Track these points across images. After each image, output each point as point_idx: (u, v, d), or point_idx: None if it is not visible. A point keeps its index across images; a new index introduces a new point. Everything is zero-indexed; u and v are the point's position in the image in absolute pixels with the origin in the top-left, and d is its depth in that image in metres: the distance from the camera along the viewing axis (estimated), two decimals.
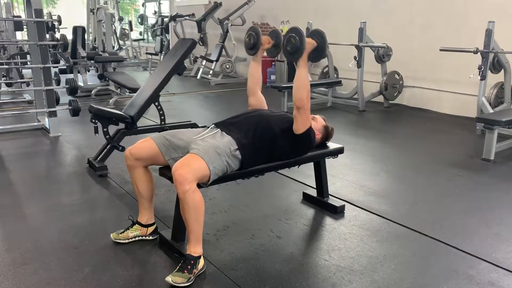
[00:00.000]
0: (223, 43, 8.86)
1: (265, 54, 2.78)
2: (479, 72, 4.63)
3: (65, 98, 5.12)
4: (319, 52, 2.43)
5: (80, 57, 7.25)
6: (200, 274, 2.10)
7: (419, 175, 3.61)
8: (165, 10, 12.60)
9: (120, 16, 12.53)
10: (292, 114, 2.41)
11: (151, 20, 13.35)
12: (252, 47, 2.70)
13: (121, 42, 12.11)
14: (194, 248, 2.10)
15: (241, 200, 3.04)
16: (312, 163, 2.85)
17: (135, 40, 12.65)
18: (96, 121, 3.37)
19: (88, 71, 7.74)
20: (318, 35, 2.42)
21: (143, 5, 14.20)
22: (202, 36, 9.59)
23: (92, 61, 7.15)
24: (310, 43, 2.37)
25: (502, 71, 4.92)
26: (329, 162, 2.95)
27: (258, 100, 2.71)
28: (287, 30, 2.41)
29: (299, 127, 2.37)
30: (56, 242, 2.45)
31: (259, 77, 2.73)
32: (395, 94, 6.33)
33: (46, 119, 4.86)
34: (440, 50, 5.00)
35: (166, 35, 10.72)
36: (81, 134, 4.77)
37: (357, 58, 6.05)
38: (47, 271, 2.15)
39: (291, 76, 8.11)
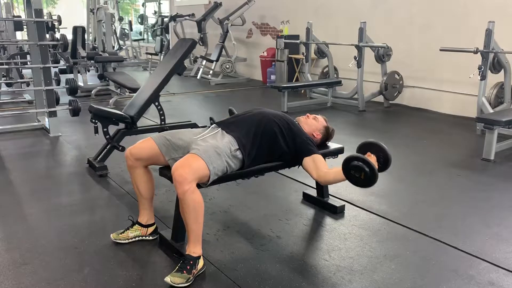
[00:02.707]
0: (223, 43, 8.86)
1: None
2: (479, 72, 4.63)
3: (65, 98, 5.12)
4: (378, 171, 2.11)
5: (80, 57, 7.25)
6: (200, 274, 2.10)
7: (419, 175, 3.61)
8: (165, 10, 12.60)
9: (120, 16, 12.53)
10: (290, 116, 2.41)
11: (151, 20, 13.35)
12: None
13: (121, 42, 12.11)
14: (194, 248, 2.10)
15: (241, 200, 3.04)
16: None
17: (135, 40, 12.65)
18: (96, 121, 3.37)
19: (88, 71, 7.74)
20: (381, 153, 2.21)
21: (143, 5, 14.20)
22: (202, 36, 9.60)
23: (92, 61, 7.15)
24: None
25: (502, 71, 4.92)
26: (329, 162, 2.94)
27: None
28: (355, 157, 2.08)
29: (305, 170, 2.44)
30: (56, 242, 2.45)
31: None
32: (395, 94, 6.33)
33: (46, 119, 4.86)
34: (440, 50, 5.00)
35: (166, 35, 10.72)
36: (81, 134, 4.77)
37: (357, 58, 6.05)
38: (47, 271, 2.15)
39: (291, 76, 8.11)
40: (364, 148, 2.29)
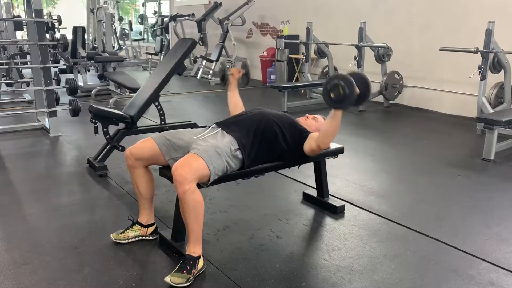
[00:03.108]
0: (223, 43, 8.86)
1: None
2: (479, 72, 4.63)
3: (65, 98, 5.12)
4: (360, 100, 2.25)
5: (80, 57, 7.25)
6: (200, 274, 2.10)
7: (419, 175, 3.61)
8: (165, 10, 12.60)
9: (120, 16, 12.53)
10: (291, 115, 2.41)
11: (151, 20, 13.35)
12: (221, 79, 2.85)
13: (121, 42, 12.11)
14: (194, 248, 2.10)
15: (241, 200, 3.04)
16: (312, 163, 2.85)
17: (135, 40, 12.65)
18: (96, 121, 3.37)
19: (88, 71, 7.74)
20: (361, 81, 2.25)
21: (143, 5, 14.20)
22: (202, 36, 9.60)
23: (92, 61, 7.15)
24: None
25: (502, 71, 4.92)
26: (329, 162, 2.95)
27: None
28: (335, 75, 2.20)
29: (308, 153, 2.40)
30: (56, 242, 2.45)
31: (237, 104, 2.79)
32: (395, 94, 6.33)
33: (46, 119, 4.86)
34: (440, 50, 5.00)
35: (166, 35, 10.72)
36: (81, 134, 4.77)
37: (357, 58, 6.05)
38: (47, 271, 2.15)
39: (291, 76, 8.11)
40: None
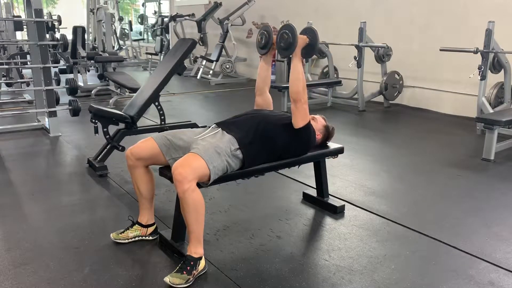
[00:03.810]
0: (223, 43, 8.86)
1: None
2: (479, 72, 4.63)
3: (65, 98, 5.12)
4: (311, 48, 2.52)
5: (80, 57, 7.25)
6: (201, 274, 2.10)
7: (419, 175, 3.61)
8: (165, 10, 12.60)
9: (120, 16, 12.53)
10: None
11: (151, 20, 13.35)
12: (264, 46, 2.66)
13: (121, 42, 12.10)
14: (195, 249, 2.10)
15: (241, 200, 3.04)
16: (312, 163, 2.85)
17: (135, 40, 12.65)
18: (96, 121, 3.37)
19: (88, 71, 7.74)
20: (310, 32, 2.52)
21: (143, 5, 14.20)
22: (202, 36, 9.59)
23: (92, 61, 7.15)
24: (302, 39, 2.46)
25: (502, 71, 4.92)
26: (329, 162, 2.95)
27: (265, 100, 2.72)
28: (281, 27, 2.51)
29: (297, 121, 2.39)
30: (56, 242, 2.45)
31: (268, 77, 2.73)
32: (395, 94, 6.33)
33: (46, 119, 4.86)
34: (440, 50, 5.00)
35: (166, 35, 10.72)
36: (81, 134, 4.77)
37: (357, 58, 6.05)
38: (47, 271, 2.15)
39: None
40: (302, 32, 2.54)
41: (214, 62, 8.86)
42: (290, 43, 2.44)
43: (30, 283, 2.05)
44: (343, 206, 2.89)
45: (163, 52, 10.16)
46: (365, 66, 6.13)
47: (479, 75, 4.64)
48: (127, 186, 3.23)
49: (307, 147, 2.56)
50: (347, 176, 3.51)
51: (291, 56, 2.49)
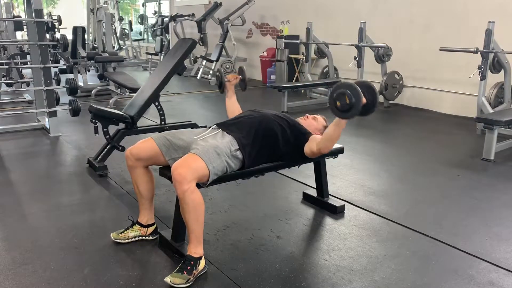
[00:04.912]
0: (223, 43, 8.86)
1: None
2: (479, 72, 4.63)
3: (65, 98, 5.12)
4: (366, 110, 2.21)
5: (80, 57, 7.25)
6: (201, 274, 2.10)
7: (419, 175, 3.61)
8: (165, 10, 12.60)
9: (120, 16, 12.53)
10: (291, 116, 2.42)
11: (151, 20, 13.35)
12: (219, 86, 2.92)
13: (121, 42, 12.11)
14: (195, 249, 2.10)
15: (241, 200, 3.04)
16: (312, 163, 2.85)
17: (135, 40, 12.65)
18: (96, 121, 3.37)
19: (88, 71, 7.74)
20: (369, 91, 2.21)
21: (143, 5, 14.20)
22: (202, 36, 9.59)
23: (92, 61, 7.15)
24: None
25: (502, 71, 4.92)
26: (329, 162, 2.95)
27: None
28: (342, 84, 2.15)
29: (308, 155, 2.42)
30: (56, 242, 2.45)
31: (235, 111, 2.78)
32: (395, 94, 6.33)
33: (46, 119, 4.86)
34: (440, 50, 5.00)
35: (166, 35, 10.72)
36: (81, 134, 4.77)
37: (357, 58, 6.05)
38: (47, 271, 2.15)
39: (291, 76, 8.11)
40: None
41: (214, 62, 8.86)
42: (350, 108, 2.10)
43: (30, 283, 2.05)
44: (343, 206, 2.89)
45: (163, 52, 10.17)
46: (365, 66, 6.14)
47: (479, 75, 4.64)
48: (127, 186, 3.23)
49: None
50: (347, 176, 3.51)
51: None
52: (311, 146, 2.38)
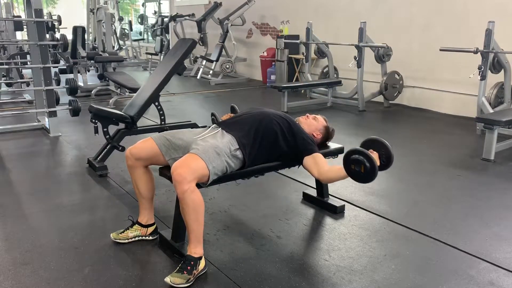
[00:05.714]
0: (223, 43, 8.86)
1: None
2: (479, 72, 4.63)
3: (65, 98, 5.12)
4: (380, 170, 2.14)
5: (80, 57, 7.25)
6: (201, 274, 2.10)
7: (419, 175, 3.61)
8: (165, 10, 12.60)
9: (120, 16, 12.53)
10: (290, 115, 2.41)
11: (151, 20, 13.35)
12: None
13: (121, 42, 12.11)
14: (195, 249, 2.10)
15: (241, 200, 3.04)
16: None
17: (135, 40, 12.65)
18: (96, 121, 3.37)
19: (88, 71, 7.74)
20: (384, 151, 2.23)
21: (143, 5, 14.20)
22: (202, 36, 9.60)
23: (92, 61, 7.15)
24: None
25: (502, 71, 4.92)
26: (329, 162, 2.94)
27: None
28: (361, 151, 2.06)
29: (305, 168, 2.44)
30: (56, 242, 2.45)
31: None
32: (395, 94, 6.33)
33: (46, 119, 4.86)
34: (440, 50, 5.00)
35: (166, 35, 10.72)
36: (81, 134, 4.77)
37: (357, 58, 6.05)
38: (47, 271, 2.15)
39: (291, 76, 8.11)
40: (367, 144, 2.29)
41: (214, 62, 8.87)
42: (363, 176, 2.07)
43: (30, 283, 2.05)
44: (343, 206, 2.89)
45: (163, 52, 10.17)
46: (365, 66, 6.13)
47: (479, 75, 4.64)
48: (127, 186, 3.23)
49: None
50: None
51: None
52: (311, 167, 2.39)
